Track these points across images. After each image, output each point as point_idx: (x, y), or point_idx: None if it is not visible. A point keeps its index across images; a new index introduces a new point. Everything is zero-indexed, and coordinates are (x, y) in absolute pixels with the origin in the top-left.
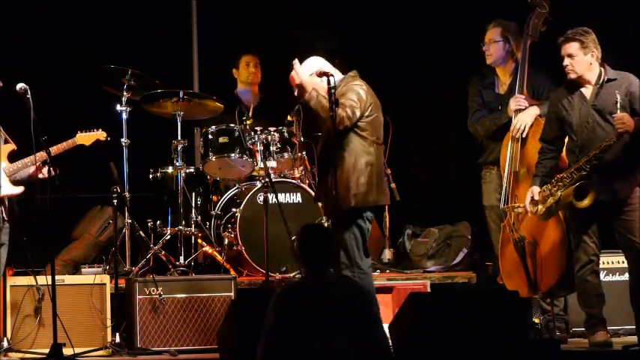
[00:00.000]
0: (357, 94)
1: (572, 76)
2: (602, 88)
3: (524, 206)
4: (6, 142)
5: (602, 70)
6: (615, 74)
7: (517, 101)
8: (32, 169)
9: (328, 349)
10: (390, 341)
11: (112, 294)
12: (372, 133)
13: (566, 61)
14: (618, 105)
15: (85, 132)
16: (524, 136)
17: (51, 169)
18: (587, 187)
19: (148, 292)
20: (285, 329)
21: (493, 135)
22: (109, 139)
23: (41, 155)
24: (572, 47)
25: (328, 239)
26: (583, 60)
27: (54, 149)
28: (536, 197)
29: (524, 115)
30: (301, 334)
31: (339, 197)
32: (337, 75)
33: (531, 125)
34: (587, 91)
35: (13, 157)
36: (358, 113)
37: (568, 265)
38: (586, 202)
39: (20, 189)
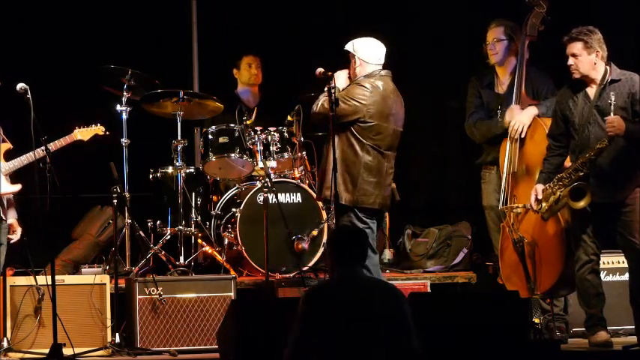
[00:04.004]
0: (352, 93)
1: (577, 75)
2: (606, 89)
3: (523, 206)
4: (3, 141)
5: (608, 69)
6: (620, 74)
7: (512, 114)
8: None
9: (357, 352)
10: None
11: (112, 294)
12: (368, 139)
13: (571, 61)
14: (612, 107)
15: (83, 127)
16: (522, 136)
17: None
18: (584, 188)
19: (148, 292)
20: (313, 328)
21: (489, 141)
22: (107, 133)
23: (39, 152)
24: (576, 47)
25: (362, 239)
26: (587, 60)
27: (52, 145)
28: (539, 195)
29: (522, 116)
30: (330, 335)
31: (320, 188)
32: (367, 68)
33: (529, 126)
34: (592, 91)
35: (9, 157)
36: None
37: (567, 265)
38: (582, 204)
39: (18, 187)
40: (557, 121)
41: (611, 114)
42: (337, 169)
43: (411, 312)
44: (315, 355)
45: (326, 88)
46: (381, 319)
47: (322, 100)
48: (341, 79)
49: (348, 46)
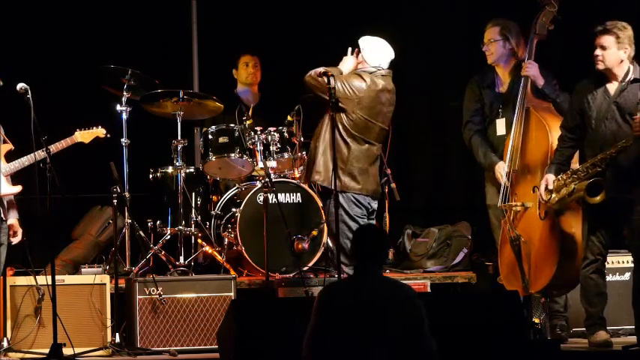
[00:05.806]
0: (352, 80)
1: (600, 67)
2: (627, 87)
3: (522, 204)
4: (4, 141)
5: (631, 67)
6: None
7: (499, 171)
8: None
9: (372, 351)
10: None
11: (112, 294)
12: (356, 130)
13: (598, 52)
14: (639, 106)
15: (84, 129)
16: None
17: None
18: (601, 184)
19: (148, 292)
20: (328, 328)
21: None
22: (108, 136)
23: (40, 154)
24: (608, 40)
25: (382, 240)
26: (615, 54)
27: (52, 147)
28: (550, 186)
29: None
30: (345, 334)
31: (310, 171)
32: (366, 67)
33: (530, 116)
34: (612, 87)
35: (10, 157)
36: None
37: (560, 267)
38: (597, 199)
39: (18, 188)
40: (572, 113)
41: (638, 114)
42: (329, 155)
43: (425, 311)
44: (328, 354)
45: (326, 84)
46: (394, 318)
47: (322, 70)
48: (348, 63)
49: (360, 40)
